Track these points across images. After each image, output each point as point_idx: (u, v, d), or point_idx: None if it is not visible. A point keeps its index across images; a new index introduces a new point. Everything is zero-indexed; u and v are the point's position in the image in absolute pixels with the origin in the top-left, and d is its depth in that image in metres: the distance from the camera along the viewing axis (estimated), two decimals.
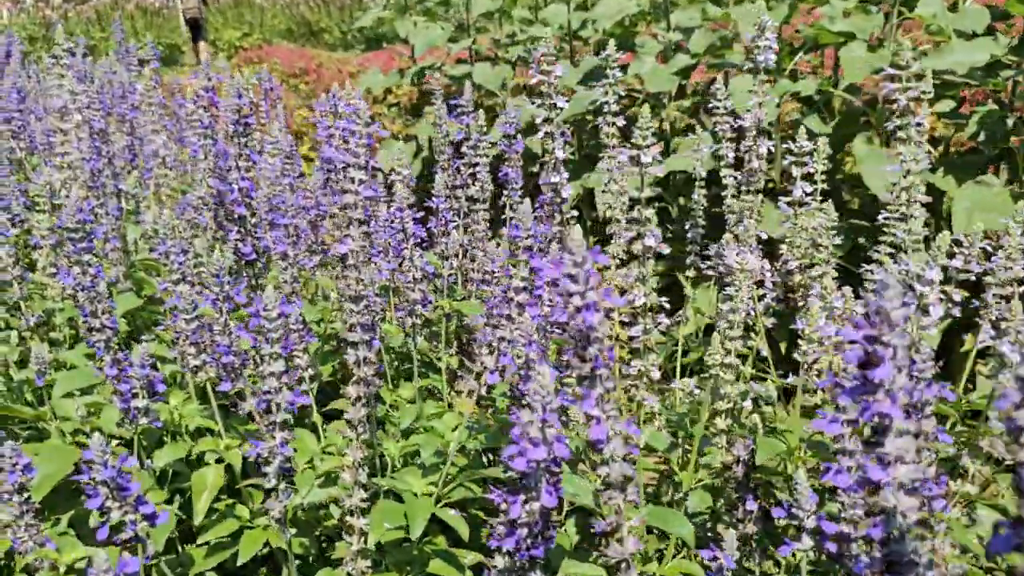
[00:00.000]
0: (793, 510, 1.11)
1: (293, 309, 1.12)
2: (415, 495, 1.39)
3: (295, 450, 1.27)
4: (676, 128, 4.55)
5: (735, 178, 2.26)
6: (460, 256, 2.03)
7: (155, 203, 2.52)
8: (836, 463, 1.13)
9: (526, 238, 1.33)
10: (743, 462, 1.35)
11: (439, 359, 1.99)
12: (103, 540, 1.15)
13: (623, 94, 4.58)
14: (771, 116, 3.70)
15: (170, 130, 3.33)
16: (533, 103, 1.71)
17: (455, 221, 2.03)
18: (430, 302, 1.68)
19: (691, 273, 2.51)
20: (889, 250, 1.93)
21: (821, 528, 1.10)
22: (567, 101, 2.07)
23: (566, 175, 1.70)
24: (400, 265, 1.67)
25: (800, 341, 1.36)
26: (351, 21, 17.94)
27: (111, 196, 2.27)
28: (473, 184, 2.11)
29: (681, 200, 4.47)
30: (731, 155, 2.24)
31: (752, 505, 1.37)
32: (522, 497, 0.98)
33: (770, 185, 3.74)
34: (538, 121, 1.68)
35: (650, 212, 1.32)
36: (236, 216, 1.73)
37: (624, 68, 4.68)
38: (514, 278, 1.35)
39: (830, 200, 2.10)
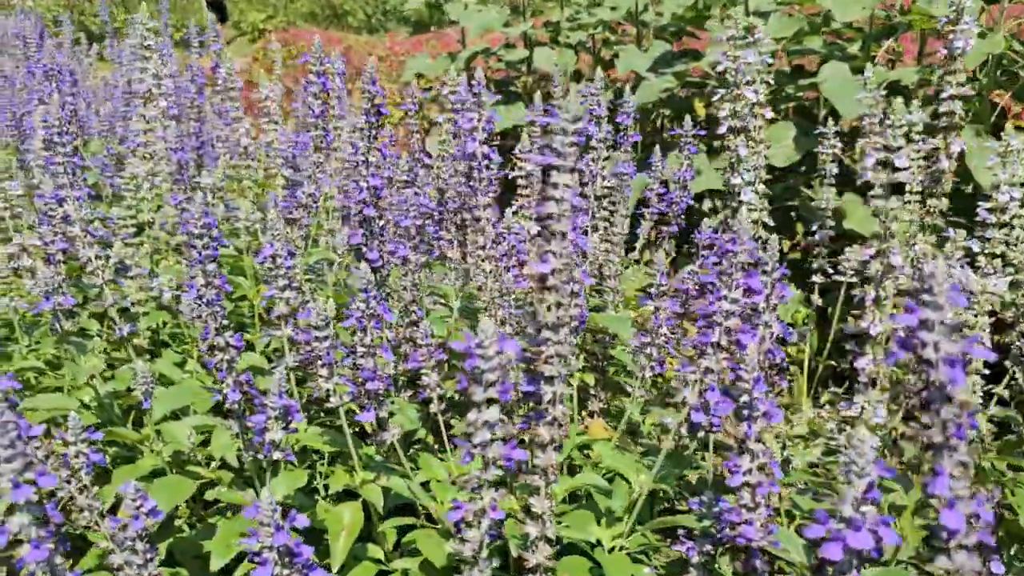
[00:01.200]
0: None
1: (515, 346, 0.92)
2: (604, 549, 1.20)
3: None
4: None
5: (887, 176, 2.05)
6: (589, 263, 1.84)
7: (236, 196, 2.34)
8: None
9: (740, 253, 1.13)
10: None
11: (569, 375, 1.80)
12: None
13: (696, 81, 4.31)
14: (862, 109, 3.48)
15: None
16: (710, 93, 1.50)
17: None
18: (586, 319, 1.49)
19: (819, 279, 2.31)
20: None
21: None
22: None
23: (747, 175, 1.50)
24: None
25: None
26: (376, 3, 17.71)
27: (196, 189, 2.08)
28: (599, 181, 1.91)
29: None
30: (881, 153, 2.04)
31: (999, 568, 1.18)
32: None
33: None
34: (722, 115, 1.48)
35: (895, 226, 1.13)
36: (362, 218, 1.54)
37: (694, 55, 4.47)
38: (724, 299, 1.16)
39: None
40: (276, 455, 1.29)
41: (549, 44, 5.13)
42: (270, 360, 1.94)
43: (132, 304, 1.92)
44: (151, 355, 2.02)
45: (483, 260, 1.47)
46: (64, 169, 1.74)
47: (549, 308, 1.05)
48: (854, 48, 4.10)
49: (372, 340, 1.29)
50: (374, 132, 1.50)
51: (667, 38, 4.80)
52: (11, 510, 0.95)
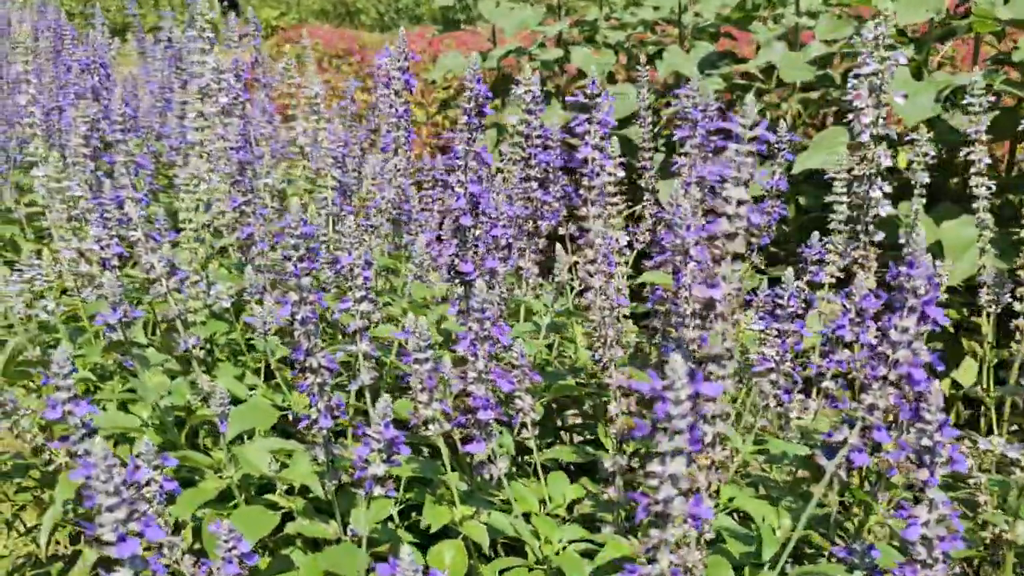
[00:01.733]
0: None
1: (716, 389, 0.80)
2: None
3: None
4: (798, 122, 4.20)
5: (989, 188, 1.94)
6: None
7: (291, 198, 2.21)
8: None
9: (917, 278, 1.01)
10: None
11: None
12: None
13: (743, 84, 4.18)
14: (925, 114, 3.35)
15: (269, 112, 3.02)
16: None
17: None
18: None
19: None
20: None
21: None
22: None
23: (887, 187, 1.38)
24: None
25: None
26: (388, 1, 17.60)
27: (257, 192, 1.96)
28: (694, 191, 1.79)
29: (801, 200, 4.14)
30: (985, 160, 1.92)
31: None
32: None
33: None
34: (864, 121, 1.36)
35: None
36: (457, 227, 1.42)
37: (733, 57, 4.35)
38: (895, 328, 1.03)
39: None
40: (377, 491, 1.17)
41: (583, 43, 5.01)
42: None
43: (187, 313, 1.80)
44: (206, 367, 1.90)
45: (591, 275, 1.35)
46: (126, 169, 1.62)
47: (721, 338, 0.93)
48: (907, 51, 3.97)
49: (485, 365, 1.17)
50: (474, 135, 1.38)
51: (705, 39, 4.69)
52: (112, 566, 0.83)
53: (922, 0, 3.41)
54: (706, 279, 0.93)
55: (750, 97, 0.87)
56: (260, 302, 1.75)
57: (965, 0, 3.83)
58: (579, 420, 2.07)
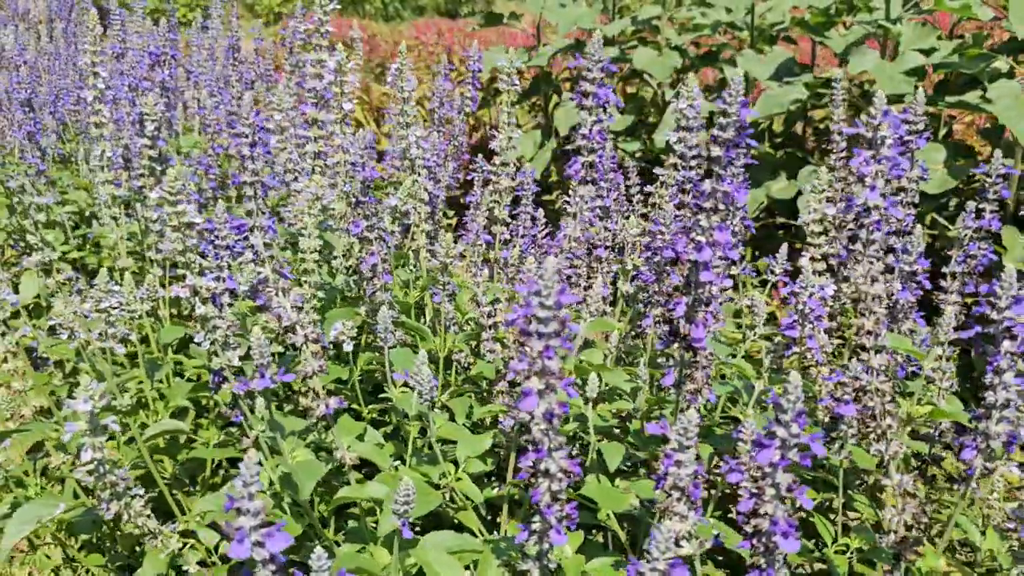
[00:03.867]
0: None
1: None
2: None
3: None
4: None
5: None
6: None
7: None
8: None
9: None
10: None
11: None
12: None
13: (822, 92, 3.89)
14: None
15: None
16: None
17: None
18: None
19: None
20: None
21: None
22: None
23: None
24: None
25: None
26: None
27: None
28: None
29: None
30: None
31: None
32: None
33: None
34: None
35: None
36: (688, 280, 1.15)
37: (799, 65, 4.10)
38: None
39: None
40: None
41: (635, 43, 4.74)
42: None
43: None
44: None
45: (871, 350, 1.08)
46: (254, 192, 1.34)
47: None
48: (999, 63, 3.72)
49: (791, 485, 0.90)
50: (727, 169, 1.11)
51: (763, 43, 4.44)
52: None
53: None
54: None
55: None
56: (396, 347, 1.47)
57: None
58: None
